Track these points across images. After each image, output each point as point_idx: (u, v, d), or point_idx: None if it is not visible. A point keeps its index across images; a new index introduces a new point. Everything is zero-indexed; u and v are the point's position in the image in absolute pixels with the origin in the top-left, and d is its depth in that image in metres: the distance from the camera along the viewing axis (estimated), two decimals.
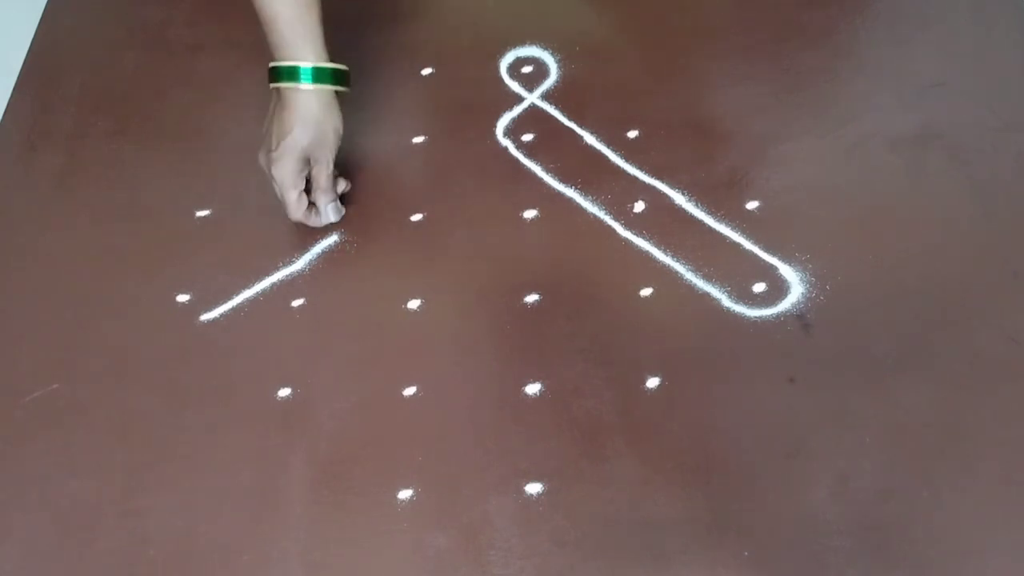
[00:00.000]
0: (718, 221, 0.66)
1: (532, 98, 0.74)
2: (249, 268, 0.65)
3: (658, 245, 0.65)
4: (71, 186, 0.70)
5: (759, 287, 0.62)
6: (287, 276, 0.65)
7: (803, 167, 0.68)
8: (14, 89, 0.77)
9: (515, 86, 0.75)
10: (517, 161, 0.70)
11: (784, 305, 0.61)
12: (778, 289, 0.62)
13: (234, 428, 0.57)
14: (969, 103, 0.71)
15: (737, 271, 0.63)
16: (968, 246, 0.63)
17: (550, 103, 0.74)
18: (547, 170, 0.70)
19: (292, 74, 0.60)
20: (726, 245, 0.64)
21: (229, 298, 0.63)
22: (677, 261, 0.64)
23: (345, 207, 0.67)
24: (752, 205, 0.66)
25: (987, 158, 0.68)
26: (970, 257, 0.63)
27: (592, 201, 0.67)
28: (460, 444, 0.56)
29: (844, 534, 0.51)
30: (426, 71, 0.77)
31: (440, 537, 0.52)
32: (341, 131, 0.63)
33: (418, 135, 0.73)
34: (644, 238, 0.65)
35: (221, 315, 0.63)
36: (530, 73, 0.76)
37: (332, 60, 0.61)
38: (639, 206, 0.67)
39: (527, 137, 0.72)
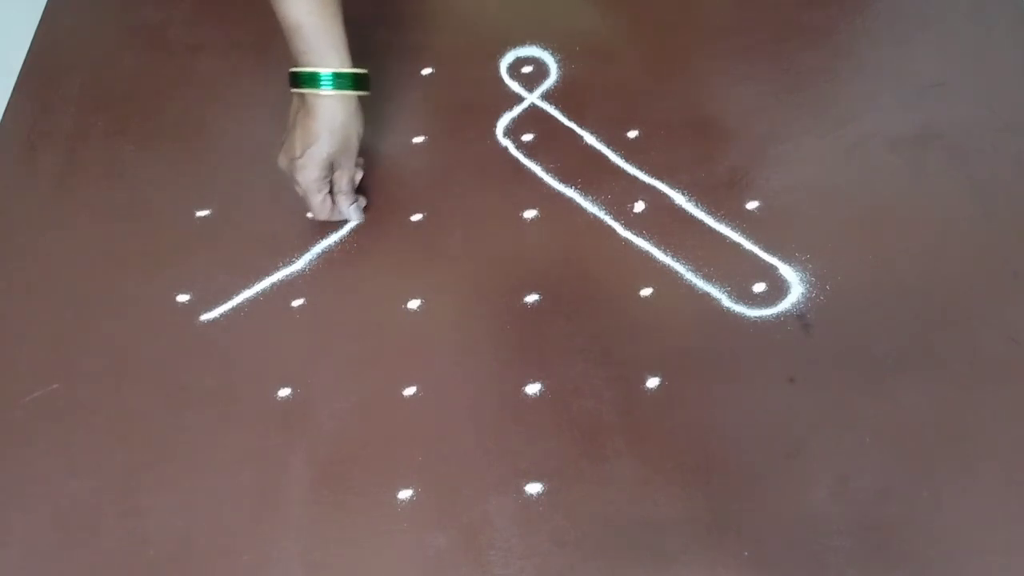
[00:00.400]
0: (718, 221, 0.66)
1: (532, 98, 0.74)
2: (249, 268, 0.65)
3: (658, 245, 0.65)
4: (71, 186, 0.70)
5: (759, 287, 0.62)
6: (287, 276, 0.65)
7: (803, 167, 0.68)
8: (14, 89, 0.77)
9: (515, 86, 0.75)
10: (517, 161, 0.70)
11: (784, 305, 0.61)
12: (778, 289, 0.62)
13: (234, 428, 0.57)
14: (969, 103, 0.71)
15: (737, 271, 0.63)
16: (968, 246, 0.63)
17: (550, 103, 0.74)
18: (547, 170, 0.70)
19: (318, 80, 0.59)
20: (726, 245, 0.64)
21: (229, 298, 0.63)
22: (677, 261, 0.64)
23: (359, 197, 0.67)
24: (752, 205, 0.66)
25: (987, 158, 0.68)
26: (970, 257, 0.63)
27: (592, 201, 0.67)
28: (460, 444, 0.56)
29: (844, 534, 0.51)
30: (426, 71, 0.77)
31: (440, 537, 0.52)
32: (362, 134, 0.63)
33: (418, 135, 0.73)
34: (644, 238, 0.65)
35: (221, 315, 0.63)
36: (530, 73, 0.76)
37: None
38: (639, 206, 0.67)
39: (527, 137, 0.72)
